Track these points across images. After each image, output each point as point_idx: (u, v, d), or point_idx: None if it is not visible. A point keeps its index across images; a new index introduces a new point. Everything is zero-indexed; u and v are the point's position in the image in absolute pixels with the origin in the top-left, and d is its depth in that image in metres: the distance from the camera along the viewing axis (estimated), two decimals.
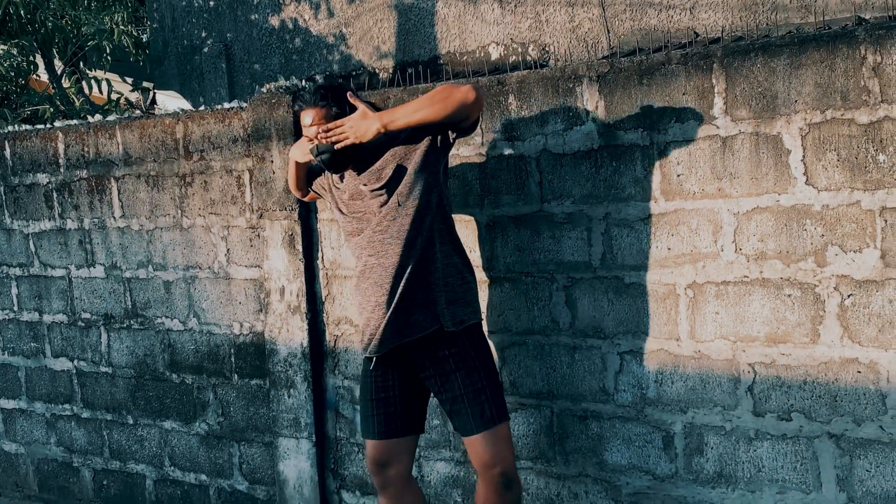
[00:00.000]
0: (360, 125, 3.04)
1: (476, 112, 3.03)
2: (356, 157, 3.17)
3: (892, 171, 2.84)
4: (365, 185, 3.14)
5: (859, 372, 2.95)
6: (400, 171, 3.10)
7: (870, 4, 4.64)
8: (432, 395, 3.26)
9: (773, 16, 5.02)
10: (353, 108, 3.14)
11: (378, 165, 3.14)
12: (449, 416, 3.17)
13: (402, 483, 3.24)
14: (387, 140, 3.13)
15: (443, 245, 3.13)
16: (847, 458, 2.99)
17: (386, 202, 3.10)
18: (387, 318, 3.09)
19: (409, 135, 3.12)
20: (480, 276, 3.59)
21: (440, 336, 3.10)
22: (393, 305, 3.08)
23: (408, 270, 3.08)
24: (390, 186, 3.10)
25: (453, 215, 3.63)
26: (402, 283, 3.08)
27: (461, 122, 3.05)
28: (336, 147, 3.09)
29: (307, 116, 3.15)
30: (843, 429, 2.99)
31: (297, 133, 3.96)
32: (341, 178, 3.25)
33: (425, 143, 3.10)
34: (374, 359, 3.18)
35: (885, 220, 2.86)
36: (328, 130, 3.08)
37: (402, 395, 3.20)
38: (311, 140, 3.15)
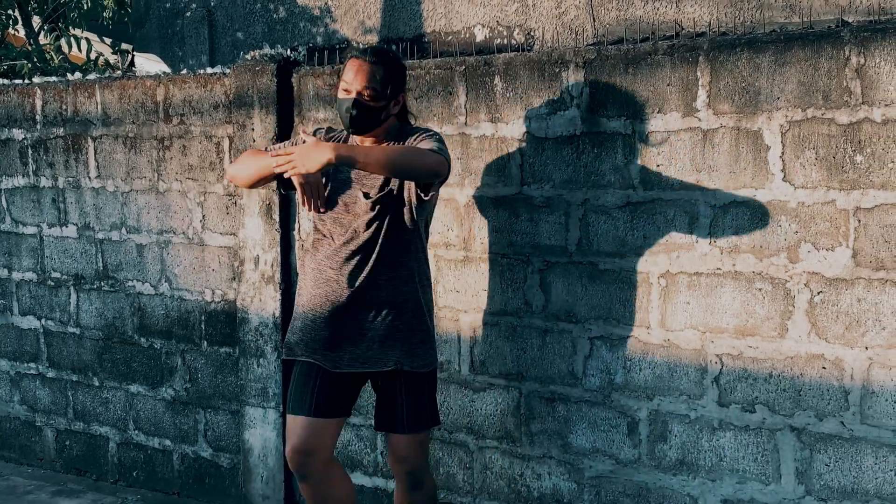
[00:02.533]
0: (308, 155, 2.83)
1: (438, 180, 3.01)
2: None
3: (869, 173, 2.89)
4: (365, 193, 3.06)
5: (824, 368, 3.00)
6: (390, 197, 3.05)
7: (853, 8, 4.69)
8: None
9: (757, 13, 5.06)
10: (402, 84, 3.10)
11: (380, 182, 3.07)
12: (379, 407, 3.17)
13: (325, 467, 3.11)
14: None
15: (410, 282, 3.09)
16: (807, 452, 3.05)
17: (371, 224, 3.05)
18: (342, 348, 3.07)
19: None
20: (456, 255, 3.61)
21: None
22: (347, 336, 3.06)
23: (372, 304, 3.05)
24: (382, 210, 3.05)
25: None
26: (365, 316, 3.06)
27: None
28: (285, 176, 2.99)
29: (353, 66, 3.01)
30: (805, 423, 3.05)
31: (280, 103, 3.94)
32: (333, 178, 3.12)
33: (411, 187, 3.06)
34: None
35: (859, 221, 2.91)
36: (278, 155, 2.92)
37: (337, 376, 3.09)
38: (347, 91, 3.01)
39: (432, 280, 3.66)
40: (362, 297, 3.07)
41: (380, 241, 3.06)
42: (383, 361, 3.08)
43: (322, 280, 3.11)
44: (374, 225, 3.06)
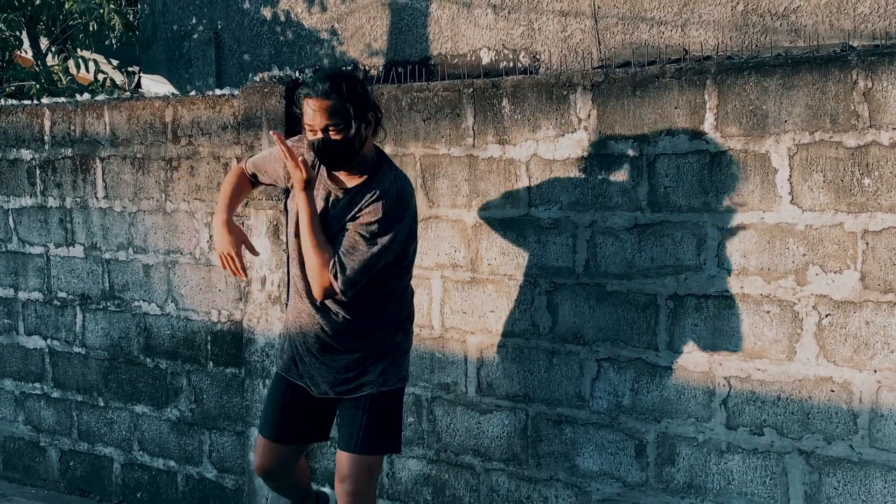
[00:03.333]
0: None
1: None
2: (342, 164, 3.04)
3: (877, 196, 2.89)
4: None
5: (832, 391, 3.00)
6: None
7: (859, 32, 4.72)
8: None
9: (763, 37, 5.09)
10: (366, 105, 2.99)
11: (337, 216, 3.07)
12: (340, 424, 3.17)
13: (285, 477, 3.34)
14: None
15: (378, 306, 3.08)
16: (816, 475, 3.03)
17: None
18: (313, 370, 3.14)
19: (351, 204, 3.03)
20: (463, 276, 3.61)
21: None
22: (318, 360, 3.12)
23: (342, 342, 3.09)
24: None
25: (440, 216, 3.66)
26: (335, 352, 3.10)
27: None
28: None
29: (310, 106, 2.92)
30: (813, 446, 3.04)
31: (288, 124, 3.96)
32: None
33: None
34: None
35: (867, 243, 2.92)
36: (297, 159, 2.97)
37: (309, 402, 3.19)
38: (312, 130, 2.93)
39: (439, 300, 3.67)
40: (333, 336, 3.09)
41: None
42: (355, 390, 3.11)
43: (298, 311, 3.15)
44: None
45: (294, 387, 3.20)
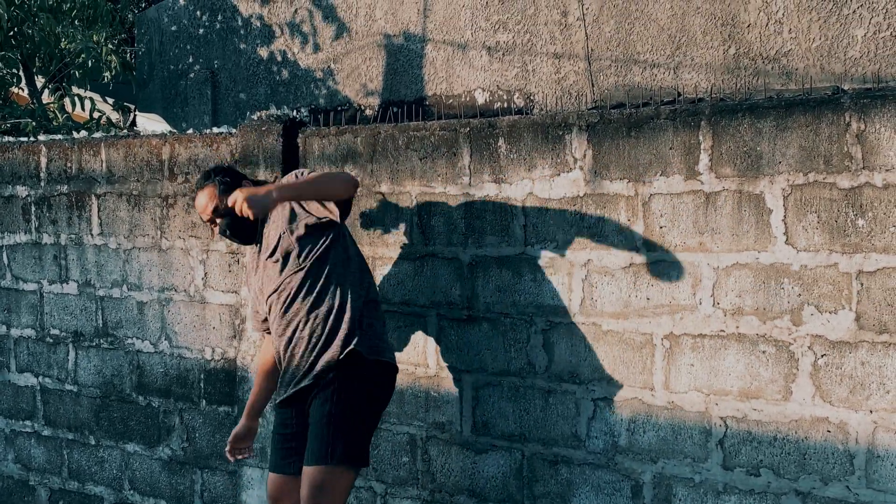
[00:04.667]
0: (257, 199, 3.07)
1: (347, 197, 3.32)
2: (257, 233, 3.44)
3: (871, 236, 2.91)
4: (269, 256, 3.35)
5: (829, 431, 3.00)
6: (283, 236, 3.33)
7: (849, 75, 4.78)
8: None
9: (754, 80, 5.15)
10: (233, 184, 3.42)
11: (272, 242, 3.38)
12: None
13: None
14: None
15: (333, 292, 3.27)
16: None
17: (281, 264, 3.32)
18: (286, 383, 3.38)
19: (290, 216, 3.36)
20: (459, 314, 3.61)
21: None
22: (289, 357, 3.34)
23: (300, 338, 3.28)
24: (279, 250, 3.33)
25: (436, 254, 3.66)
26: (298, 351, 3.29)
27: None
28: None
29: (195, 204, 3.51)
30: (810, 487, 3.03)
31: (285, 162, 3.98)
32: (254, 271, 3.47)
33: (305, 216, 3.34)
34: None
35: (861, 284, 2.93)
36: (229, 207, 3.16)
37: (303, 432, 3.31)
38: (210, 223, 3.49)
39: (434, 338, 3.66)
40: (294, 336, 3.29)
41: (296, 282, 3.29)
42: (308, 376, 3.27)
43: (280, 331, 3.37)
44: (288, 271, 3.30)
45: (285, 413, 3.49)
